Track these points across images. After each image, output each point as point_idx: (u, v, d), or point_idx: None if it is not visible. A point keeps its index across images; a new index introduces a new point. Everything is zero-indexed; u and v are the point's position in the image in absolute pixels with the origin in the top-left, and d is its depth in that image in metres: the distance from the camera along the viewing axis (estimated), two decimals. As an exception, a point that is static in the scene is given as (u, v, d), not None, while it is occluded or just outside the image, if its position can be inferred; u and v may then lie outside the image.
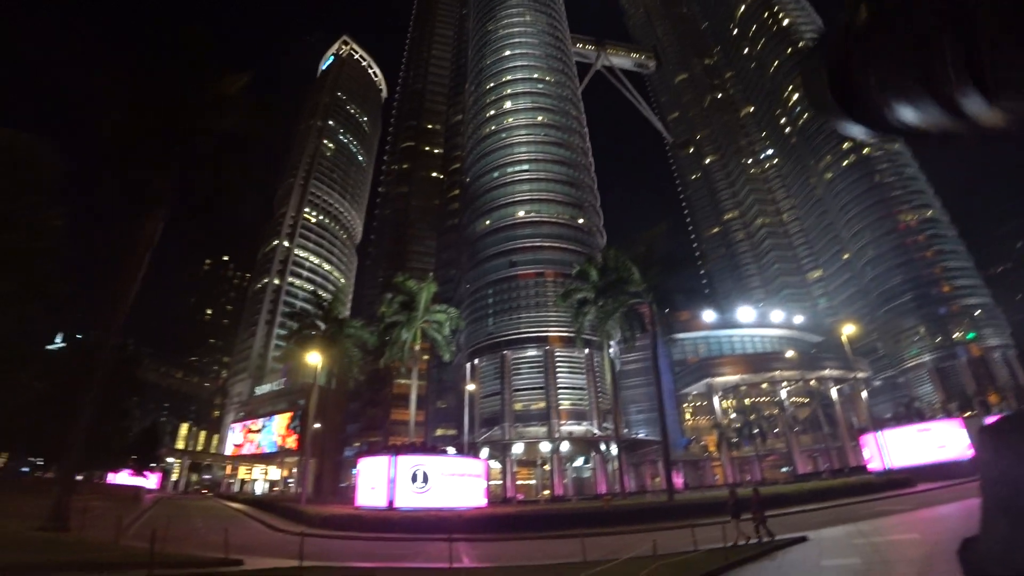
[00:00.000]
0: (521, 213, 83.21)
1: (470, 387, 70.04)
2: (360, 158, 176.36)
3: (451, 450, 41.52)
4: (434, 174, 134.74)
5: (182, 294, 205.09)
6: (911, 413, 67.30)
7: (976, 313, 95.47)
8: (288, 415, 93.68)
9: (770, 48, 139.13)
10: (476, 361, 76.78)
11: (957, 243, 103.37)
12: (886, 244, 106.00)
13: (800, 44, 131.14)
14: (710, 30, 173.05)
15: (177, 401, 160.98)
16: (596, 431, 68.97)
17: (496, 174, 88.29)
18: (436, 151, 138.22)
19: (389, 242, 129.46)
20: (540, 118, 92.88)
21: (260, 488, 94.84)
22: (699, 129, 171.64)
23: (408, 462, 33.20)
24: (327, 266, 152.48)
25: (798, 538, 16.74)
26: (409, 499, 32.34)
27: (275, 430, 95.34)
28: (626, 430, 75.42)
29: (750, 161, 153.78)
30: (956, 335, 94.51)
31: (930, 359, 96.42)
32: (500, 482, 67.42)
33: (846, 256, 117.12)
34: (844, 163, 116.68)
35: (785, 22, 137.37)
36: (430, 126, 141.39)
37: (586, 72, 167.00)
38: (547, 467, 67.81)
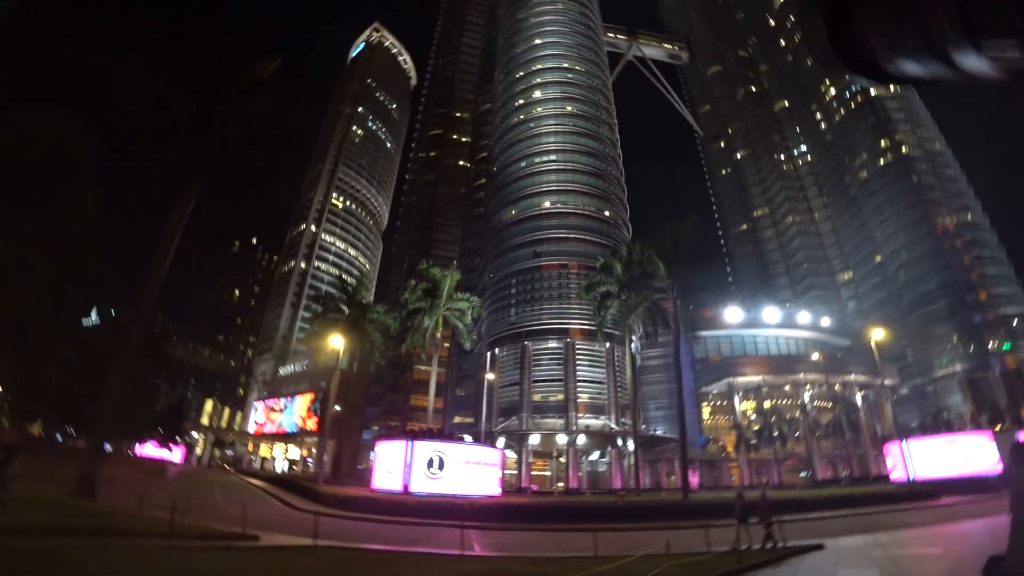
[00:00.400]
0: (547, 204, 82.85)
1: (489, 376, 70.34)
2: (388, 145, 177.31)
3: (468, 438, 41.79)
4: (461, 162, 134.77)
5: (212, 275, 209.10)
6: (939, 424, 65.40)
7: (1014, 323, 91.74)
8: (310, 396, 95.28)
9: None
10: (496, 350, 77.02)
11: (997, 249, 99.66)
12: (921, 247, 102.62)
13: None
14: (746, 21, 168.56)
15: (203, 378, 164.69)
16: (613, 426, 68.74)
17: (523, 164, 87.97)
18: (464, 139, 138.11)
19: (414, 229, 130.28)
20: (569, 108, 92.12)
21: (280, 466, 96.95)
22: (731, 123, 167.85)
23: (425, 448, 33.53)
24: (352, 251, 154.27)
25: (814, 545, 16.43)
26: (424, 484, 32.70)
27: (296, 411, 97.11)
28: (644, 426, 74.92)
29: (782, 157, 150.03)
30: (991, 345, 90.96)
31: (961, 369, 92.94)
32: (515, 472, 67.69)
33: (878, 258, 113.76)
34: (881, 161, 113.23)
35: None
36: (458, 114, 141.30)
37: (617, 62, 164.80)
38: (563, 459, 67.87)
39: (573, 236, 79.30)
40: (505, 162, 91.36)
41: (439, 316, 48.41)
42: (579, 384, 70.77)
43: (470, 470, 34.90)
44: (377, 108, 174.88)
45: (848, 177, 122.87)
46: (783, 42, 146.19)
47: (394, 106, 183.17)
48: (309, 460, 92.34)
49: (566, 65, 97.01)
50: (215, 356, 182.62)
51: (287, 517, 25.52)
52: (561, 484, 66.41)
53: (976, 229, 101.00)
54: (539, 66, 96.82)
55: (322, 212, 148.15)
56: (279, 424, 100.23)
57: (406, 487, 32.52)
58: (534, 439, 67.07)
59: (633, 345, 58.77)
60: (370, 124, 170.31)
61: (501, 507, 28.89)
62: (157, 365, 50.88)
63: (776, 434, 70.11)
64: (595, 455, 72.19)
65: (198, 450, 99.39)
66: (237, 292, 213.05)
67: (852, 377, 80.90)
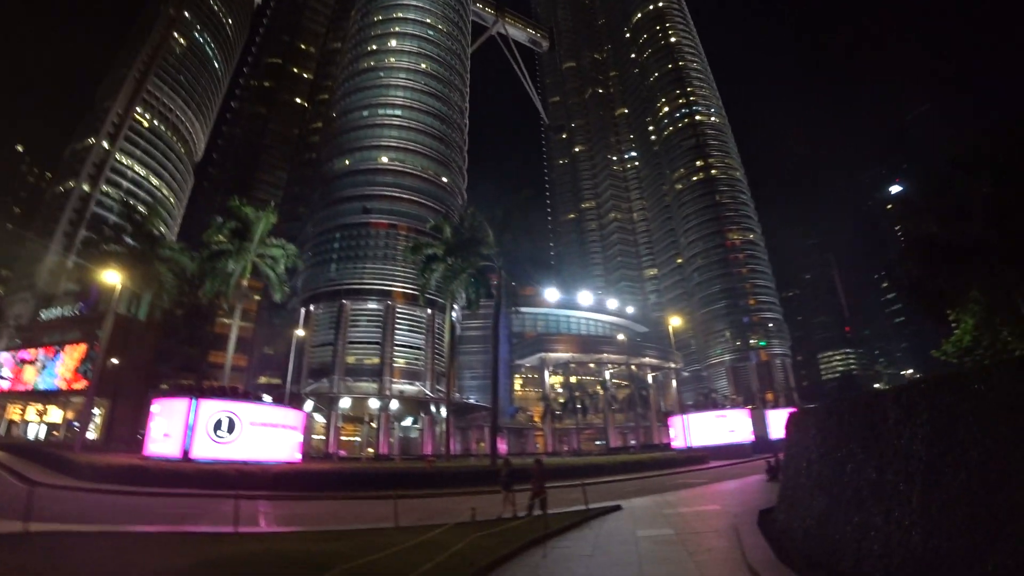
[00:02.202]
0: (384, 159, 78.75)
1: (299, 332, 64.90)
2: (216, 65, 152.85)
3: (267, 398, 37.55)
4: (299, 100, 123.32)
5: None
6: (708, 402, 77.79)
7: (769, 325, 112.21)
8: (81, 348, 78.06)
9: (654, 60, 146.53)
10: (312, 307, 71.91)
11: (767, 265, 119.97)
12: (713, 256, 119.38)
13: (680, 64, 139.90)
14: (606, 28, 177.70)
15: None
16: (428, 392, 68.56)
17: (366, 113, 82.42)
18: (306, 76, 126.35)
19: (234, 165, 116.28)
20: (423, 66, 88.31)
21: (35, 432, 79.43)
22: (575, 118, 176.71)
23: (212, 407, 29.06)
24: (155, 180, 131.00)
25: (613, 507, 17.25)
26: (210, 450, 28.47)
27: (61, 366, 79.27)
28: (458, 394, 76.07)
29: (615, 158, 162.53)
30: (752, 341, 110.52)
31: (729, 359, 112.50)
32: (323, 437, 64.91)
33: (680, 260, 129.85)
34: (694, 179, 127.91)
35: (672, 39, 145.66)
36: (304, 47, 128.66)
37: (481, 34, 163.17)
38: (374, 424, 66.01)
39: (407, 197, 76.58)
40: (346, 108, 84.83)
41: (248, 262, 42.79)
42: (396, 348, 69.15)
43: (267, 434, 31.25)
44: (209, 18, 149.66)
45: (666, 187, 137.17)
46: (633, 55, 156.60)
47: (230, 21, 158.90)
48: (77, 424, 76.89)
49: (428, 21, 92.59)
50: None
51: (14, 495, 20.22)
52: (371, 450, 64.67)
53: (754, 247, 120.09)
54: (400, 15, 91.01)
55: (120, 127, 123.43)
56: (35, 381, 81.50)
57: (187, 453, 27.89)
58: (345, 403, 64.06)
59: (454, 314, 58.72)
60: (197, 35, 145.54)
61: (300, 474, 26.39)
62: None
63: (579, 407, 75.94)
64: (408, 421, 71.58)
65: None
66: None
67: (647, 360, 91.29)
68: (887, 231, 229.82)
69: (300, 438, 35.46)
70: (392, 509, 15.08)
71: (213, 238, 43.64)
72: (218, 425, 28.91)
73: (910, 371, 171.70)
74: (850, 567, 6.79)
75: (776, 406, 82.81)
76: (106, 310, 72.24)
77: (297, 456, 34.36)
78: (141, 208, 58.00)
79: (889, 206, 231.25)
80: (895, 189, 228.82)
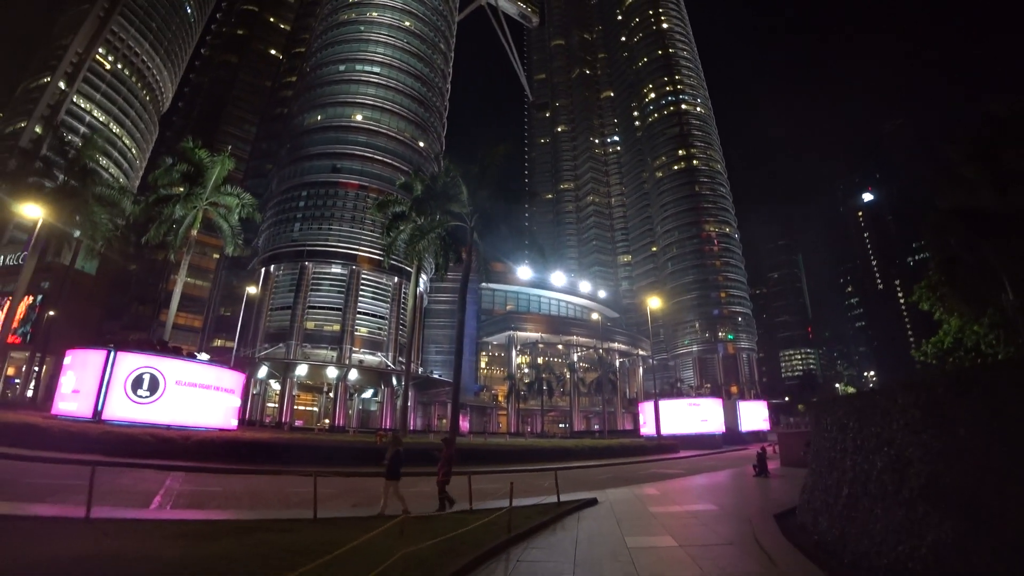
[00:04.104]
0: (359, 117, 74.17)
1: (251, 289, 60.53)
2: (189, 10, 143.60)
3: (203, 356, 33.72)
4: (273, 51, 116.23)
5: None
6: (674, 391, 76.84)
7: (739, 320, 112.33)
8: (22, 302, 71.56)
9: (644, 44, 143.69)
10: (272, 268, 67.65)
11: (740, 260, 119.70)
12: (689, 247, 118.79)
13: (671, 51, 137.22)
14: (597, 8, 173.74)
15: None
16: (390, 363, 65.55)
17: (342, 67, 77.44)
18: (283, 26, 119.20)
19: (199, 115, 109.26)
20: (407, 23, 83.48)
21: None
22: (560, 97, 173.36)
23: (133, 362, 25.26)
24: (117, 128, 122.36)
25: (588, 500, 14.59)
26: (127, 410, 24.72)
27: None
28: (421, 368, 73.26)
29: (597, 141, 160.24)
30: (720, 334, 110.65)
31: (697, 349, 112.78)
32: (277, 405, 61.94)
33: (654, 248, 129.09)
34: (675, 167, 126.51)
35: (664, 25, 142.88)
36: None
37: (469, 1, 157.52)
38: (332, 395, 62.74)
39: (380, 158, 72.37)
40: (322, 60, 79.61)
41: (199, 209, 38.76)
42: (359, 316, 65.75)
43: (196, 395, 27.49)
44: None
45: (646, 174, 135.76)
46: (624, 38, 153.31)
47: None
48: (17, 380, 71.61)
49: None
50: None
51: None
52: (328, 421, 61.48)
53: (730, 241, 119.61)
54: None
55: (79, 68, 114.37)
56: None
57: (98, 413, 24.16)
58: (302, 370, 60.59)
59: (421, 286, 55.53)
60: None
61: (227, 444, 23.19)
62: None
63: (545, 388, 74.03)
64: (368, 393, 68.69)
65: None
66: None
67: (616, 345, 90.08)
68: (856, 239, 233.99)
69: (237, 402, 32.09)
70: (328, 490, 12.29)
71: (161, 181, 39.41)
72: (138, 383, 25.26)
73: (871, 372, 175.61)
74: None
75: (742, 398, 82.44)
76: (54, 264, 66.67)
77: (233, 422, 31.04)
78: (74, 139, 52.61)
79: (860, 214, 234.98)
80: (867, 198, 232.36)
